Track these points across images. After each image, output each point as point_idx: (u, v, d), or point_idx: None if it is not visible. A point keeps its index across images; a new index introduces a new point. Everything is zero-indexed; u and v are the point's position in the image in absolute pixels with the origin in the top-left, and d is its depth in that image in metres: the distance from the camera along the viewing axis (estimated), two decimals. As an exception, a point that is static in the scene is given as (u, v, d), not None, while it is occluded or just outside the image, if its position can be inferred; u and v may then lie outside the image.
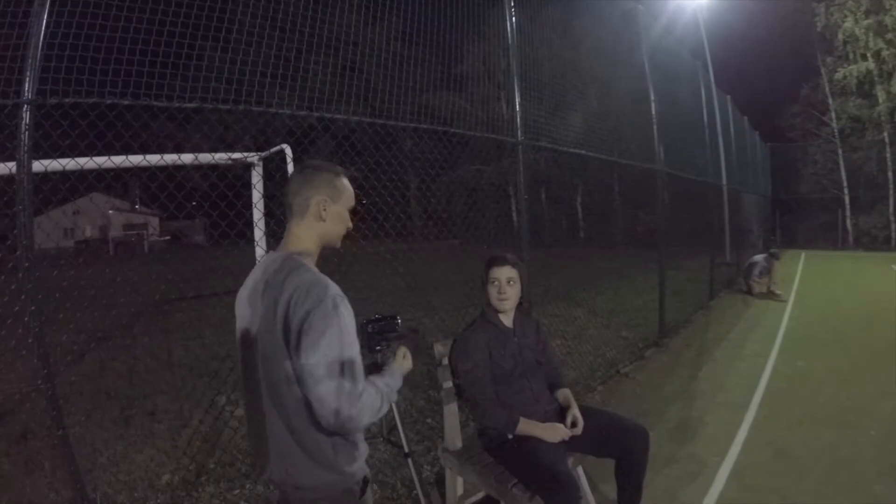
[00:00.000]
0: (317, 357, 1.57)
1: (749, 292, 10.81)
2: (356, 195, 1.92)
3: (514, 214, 4.33)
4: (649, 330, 7.23)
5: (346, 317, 1.63)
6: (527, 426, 2.64)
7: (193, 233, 44.98)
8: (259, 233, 4.07)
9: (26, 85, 2.42)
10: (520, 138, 4.28)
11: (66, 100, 2.48)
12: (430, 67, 4.17)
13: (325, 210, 1.78)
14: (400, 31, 4.23)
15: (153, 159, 4.02)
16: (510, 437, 2.67)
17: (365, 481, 1.81)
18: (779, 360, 6.27)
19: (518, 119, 4.24)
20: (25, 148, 2.44)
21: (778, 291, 10.47)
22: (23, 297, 2.51)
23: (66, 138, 2.64)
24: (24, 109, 2.43)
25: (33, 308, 2.50)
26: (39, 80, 2.45)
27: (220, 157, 4.38)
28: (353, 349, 1.63)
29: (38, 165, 2.84)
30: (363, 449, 1.82)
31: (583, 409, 2.80)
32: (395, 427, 3.06)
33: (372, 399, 1.65)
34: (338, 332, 1.59)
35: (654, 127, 7.08)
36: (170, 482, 3.66)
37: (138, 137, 3.35)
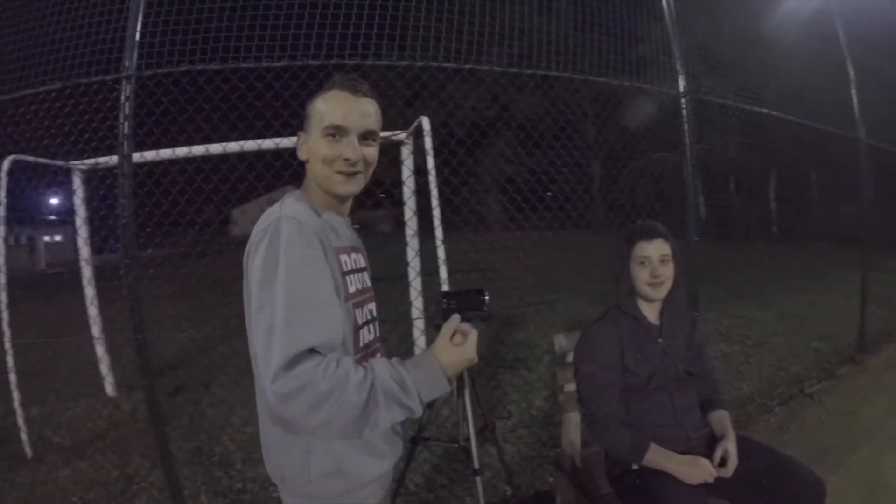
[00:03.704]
0: (253, 300, 1.10)
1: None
2: (345, 111, 1.28)
3: (686, 199, 3.52)
4: (844, 342, 5.64)
5: (292, 243, 1.11)
6: (658, 457, 1.90)
7: (380, 222, 47.85)
8: (409, 212, 3.78)
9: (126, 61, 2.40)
10: (682, 89, 3.41)
11: (160, 70, 2.41)
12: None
13: (302, 149, 1.35)
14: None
15: (269, 144, 3.74)
16: (634, 467, 1.96)
17: None
18: None
19: (679, 66, 3.38)
20: (126, 126, 2.40)
21: None
22: (124, 292, 2.49)
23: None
24: (125, 83, 2.39)
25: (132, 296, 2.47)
26: (137, 55, 2.41)
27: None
28: (303, 291, 1.08)
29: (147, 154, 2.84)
30: (360, 467, 1.22)
31: (741, 442, 1.99)
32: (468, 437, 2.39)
33: (339, 385, 1.03)
34: (273, 264, 1.09)
35: (853, 87, 5.43)
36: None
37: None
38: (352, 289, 1.28)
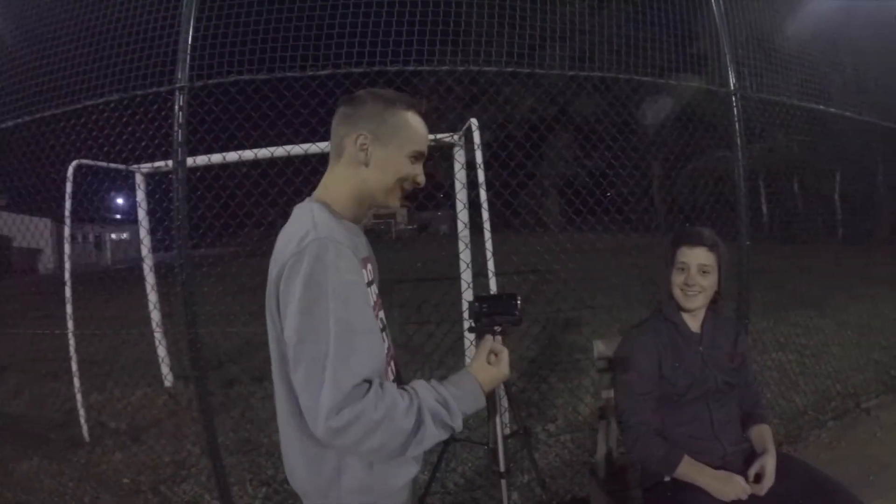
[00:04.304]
0: (293, 328, 1.10)
1: None
2: (427, 138, 1.35)
3: (738, 201, 3.41)
4: None
5: (336, 269, 1.11)
6: (690, 470, 1.86)
7: (440, 223, 48.01)
8: (462, 225, 3.85)
9: (178, 73, 2.52)
10: (732, 86, 3.26)
11: (210, 81, 2.53)
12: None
13: (363, 151, 1.29)
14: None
15: (315, 149, 3.75)
16: (666, 479, 1.93)
17: None
18: None
19: (728, 59, 3.24)
20: (179, 134, 2.53)
21: None
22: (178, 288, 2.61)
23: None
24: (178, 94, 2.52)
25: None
26: (189, 67, 2.53)
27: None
28: (353, 321, 1.09)
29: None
30: (389, 479, 1.25)
31: (780, 459, 1.92)
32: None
33: (389, 412, 1.06)
34: (316, 292, 1.08)
35: None
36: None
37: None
38: (372, 300, 1.29)
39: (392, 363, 1.43)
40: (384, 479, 1.26)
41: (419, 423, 1.10)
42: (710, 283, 2.02)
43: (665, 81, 3.28)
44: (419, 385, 1.17)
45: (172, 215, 2.59)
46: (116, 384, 5.03)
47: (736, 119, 3.33)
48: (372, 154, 1.30)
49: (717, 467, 1.90)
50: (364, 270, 1.28)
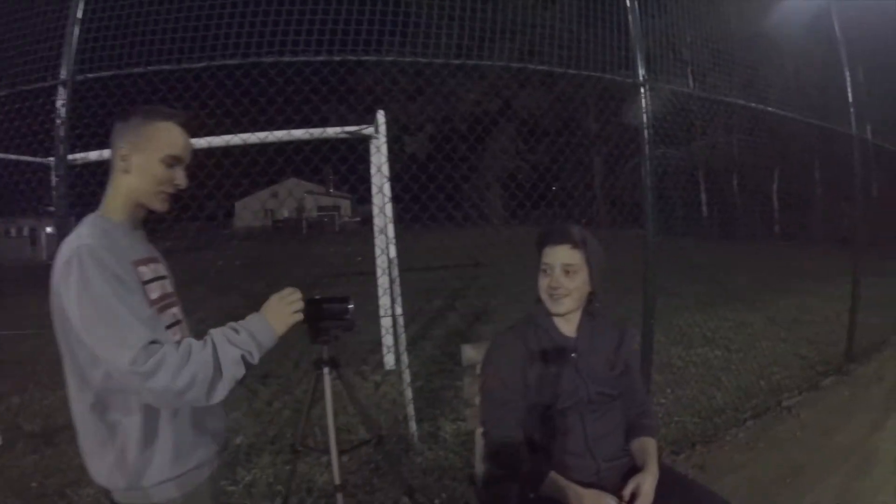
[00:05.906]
0: (78, 320, 1.25)
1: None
2: (184, 145, 1.47)
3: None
4: (833, 351, 5.21)
5: (99, 267, 1.26)
6: (557, 487, 1.69)
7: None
8: (377, 210, 3.77)
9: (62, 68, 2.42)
10: (641, 78, 3.18)
11: (90, 75, 2.45)
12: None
13: (124, 160, 1.41)
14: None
15: (256, 137, 3.79)
16: (532, 496, 1.74)
17: None
18: None
19: (638, 51, 3.17)
20: (62, 130, 2.43)
21: None
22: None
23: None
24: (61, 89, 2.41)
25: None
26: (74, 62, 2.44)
27: (334, 130, 3.93)
28: (118, 306, 1.23)
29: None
30: (180, 458, 1.38)
31: (666, 478, 1.76)
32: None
33: (187, 350, 1.24)
34: (84, 286, 1.24)
35: (847, 76, 4.96)
36: (239, 445, 3.59)
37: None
38: (153, 295, 1.42)
39: None
40: (164, 458, 1.36)
41: (215, 351, 1.26)
42: (577, 283, 1.85)
43: (564, 71, 3.18)
44: (217, 329, 1.35)
45: (53, 211, 2.46)
46: (37, 385, 4.79)
47: (644, 110, 3.29)
48: (132, 162, 1.41)
49: (589, 484, 1.73)
50: (145, 268, 1.43)
